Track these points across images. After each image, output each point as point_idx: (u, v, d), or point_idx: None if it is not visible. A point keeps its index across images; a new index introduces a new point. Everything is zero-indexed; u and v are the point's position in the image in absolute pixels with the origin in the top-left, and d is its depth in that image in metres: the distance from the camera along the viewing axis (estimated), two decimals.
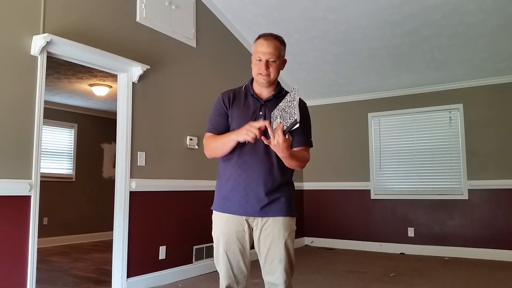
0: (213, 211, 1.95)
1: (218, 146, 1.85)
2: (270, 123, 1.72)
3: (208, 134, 1.94)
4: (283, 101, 1.70)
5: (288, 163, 1.78)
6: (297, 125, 1.58)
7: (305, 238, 6.63)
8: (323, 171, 6.57)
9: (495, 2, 4.14)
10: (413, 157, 5.94)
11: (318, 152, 6.28)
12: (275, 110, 1.73)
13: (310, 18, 4.78)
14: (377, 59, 5.42)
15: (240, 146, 1.82)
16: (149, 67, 3.96)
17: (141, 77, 3.93)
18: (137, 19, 4.02)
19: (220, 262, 1.88)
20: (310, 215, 6.61)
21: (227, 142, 1.80)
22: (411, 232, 5.84)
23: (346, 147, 6.46)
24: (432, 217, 5.72)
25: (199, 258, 4.48)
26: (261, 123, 1.69)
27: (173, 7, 4.38)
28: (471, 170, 5.52)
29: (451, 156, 5.70)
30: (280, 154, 1.71)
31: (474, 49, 4.94)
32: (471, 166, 5.52)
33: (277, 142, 1.62)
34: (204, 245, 4.55)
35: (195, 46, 4.67)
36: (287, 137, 1.64)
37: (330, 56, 5.49)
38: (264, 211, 1.81)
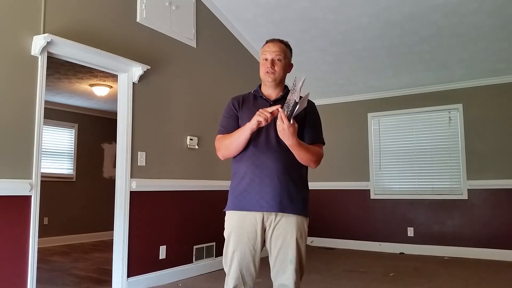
0: (226, 212, 1.93)
1: (232, 140, 1.85)
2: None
3: (219, 136, 1.96)
4: (288, 95, 1.75)
5: (298, 154, 1.79)
6: (298, 106, 1.65)
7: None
8: (323, 171, 6.55)
9: (495, 2, 4.15)
10: (412, 157, 5.95)
11: None
12: (283, 106, 1.75)
13: (310, 18, 4.79)
14: (376, 59, 5.43)
15: (253, 143, 1.84)
16: (149, 67, 3.97)
17: (141, 77, 3.94)
18: (138, 19, 4.03)
19: (228, 262, 1.87)
20: (310, 215, 6.60)
21: (241, 133, 1.81)
22: (410, 232, 5.85)
23: (346, 147, 6.47)
24: (432, 217, 5.73)
25: (199, 258, 4.48)
26: (273, 107, 1.72)
27: (173, 8, 4.39)
28: (471, 170, 5.53)
29: (450, 156, 5.71)
30: (287, 142, 1.73)
31: (473, 49, 4.95)
32: (471, 166, 5.53)
33: (282, 128, 1.68)
34: (204, 245, 4.56)
35: (195, 46, 4.68)
36: (291, 122, 1.68)
37: (330, 56, 5.50)
38: (279, 206, 1.80)
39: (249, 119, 1.84)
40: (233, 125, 1.93)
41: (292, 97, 1.68)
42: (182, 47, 4.52)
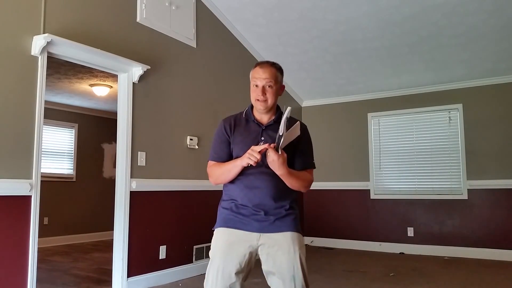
0: (215, 230, 1.89)
1: (223, 172, 1.86)
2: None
3: (211, 163, 1.95)
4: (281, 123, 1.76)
5: (289, 182, 1.80)
6: (282, 139, 1.70)
7: (305, 238, 6.64)
8: (323, 171, 6.57)
9: (495, 2, 4.15)
10: (412, 157, 5.95)
11: (318, 152, 6.27)
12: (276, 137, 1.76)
13: (310, 18, 4.79)
14: (376, 59, 5.43)
15: (246, 170, 1.82)
16: (149, 67, 3.97)
17: (141, 77, 3.94)
18: (138, 20, 4.03)
19: (209, 282, 1.78)
20: (310, 215, 6.62)
21: (232, 168, 1.81)
22: (410, 232, 5.85)
23: (346, 147, 6.47)
24: (432, 217, 5.72)
25: (199, 257, 4.49)
26: (262, 146, 1.72)
27: (173, 8, 4.39)
28: (471, 170, 5.52)
29: (450, 156, 5.71)
30: (278, 172, 1.75)
31: (473, 49, 4.95)
32: (471, 166, 5.53)
33: (272, 160, 1.71)
34: (204, 245, 4.56)
35: (195, 46, 4.68)
36: (280, 152, 1.70)
37: (330, 56, 5.50)
38: (272, 227, 1.79)
39: (242, 145, 1.84)
40: (225, 151, 1.91)
41: (280, 129, 1.70)
42: (182, 47, 4.52)
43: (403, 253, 5.82)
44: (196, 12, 4.72)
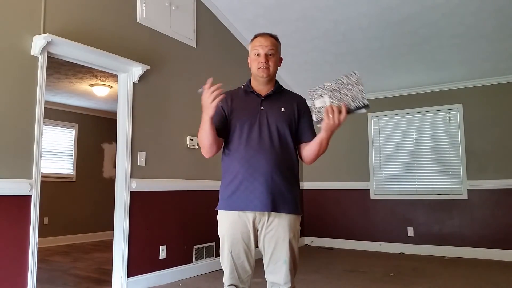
0: (218, 211, 1.93)
1: (201, 134, 1.83)
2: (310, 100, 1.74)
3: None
4: (332, 82, 1.71)
5: (325, 147, 1.83)
6: (364, 110, 1.62)
7: (305, 238, 6.64)
8: (323, 171, 6.57)
9: (495, 2, 4.15)
10: (412, 157, 5.95)
11: None
12: (316, 88, 1.71)
13: (310, 18, 4.79)
14: (377, 59, 5.43)
15: (246, 141, 1.83)
16: (149, 67, 3.97)
17: (141, 77, 3.94)
18: (138, 20, 4.03)
19: (224, 261, 1.88)
20: (310, 215, 6.61)
21: (202, 125, 1.79)
22: (410, 232, 5.85)
23: (346, 147, 6.46)
24: (432, 217, 5.73)
25: (199, 257, 4.48)
26: (205, 86, 1.73)
27: (173, 8, 4.39)
28: (471, 170, 5.53)
29: (450, 156, 5.71)
30: (330, 135, 1.77)
31: (473, 50, 4.95)
32: (471, 166, 5.53)
33: (338, 122, 1.70)
34: (204, 245, 4.56)
35: (195, 46, 4.68)
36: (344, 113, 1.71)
37: (330, 56, 5.50)
38: (272, 205, 1.79)
39: (241, 114, 1.85)
40: (218, 121, 1.86)
41: (349, 92, 1.64)
42: (182, 47, 4.52)
43: (403, 253, 5.82)
44: (196, 12, 4.72)
